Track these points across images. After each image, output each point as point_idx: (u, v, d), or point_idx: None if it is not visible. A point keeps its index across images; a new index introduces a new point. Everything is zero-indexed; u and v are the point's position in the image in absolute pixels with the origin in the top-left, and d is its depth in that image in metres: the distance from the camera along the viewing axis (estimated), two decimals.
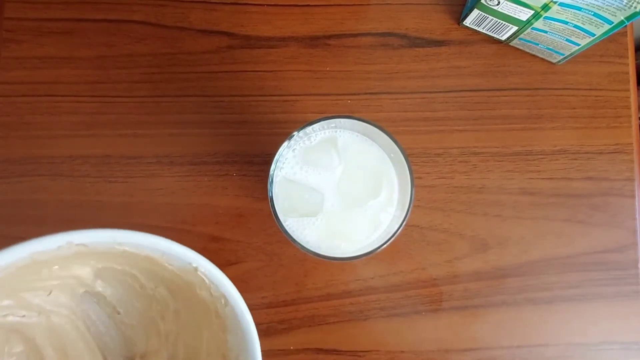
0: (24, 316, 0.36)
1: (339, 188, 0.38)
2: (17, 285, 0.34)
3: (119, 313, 0.38)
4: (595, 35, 0.41)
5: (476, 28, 0.46)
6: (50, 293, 0.36)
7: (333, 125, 0.37)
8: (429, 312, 0.45)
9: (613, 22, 0.39)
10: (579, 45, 0.43)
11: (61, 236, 0.29)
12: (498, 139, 0.46)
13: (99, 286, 0.37)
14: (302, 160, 0.38)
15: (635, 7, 0.37)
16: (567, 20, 0.40)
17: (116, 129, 0.45)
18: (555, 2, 0.39)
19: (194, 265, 0.32)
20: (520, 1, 0.40)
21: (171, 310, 0.38)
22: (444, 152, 0.46)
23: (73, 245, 0.30)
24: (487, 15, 0.43)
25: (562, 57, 0.46)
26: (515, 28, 0.44)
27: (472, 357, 0.45)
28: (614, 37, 0.46)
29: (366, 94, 0.46)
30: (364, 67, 0.47)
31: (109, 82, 0.46)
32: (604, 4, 0.37)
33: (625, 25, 0.39)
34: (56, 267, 0.34)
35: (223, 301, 0.33)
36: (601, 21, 0.39)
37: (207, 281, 0.33)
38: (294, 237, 0.35)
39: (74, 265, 0.35)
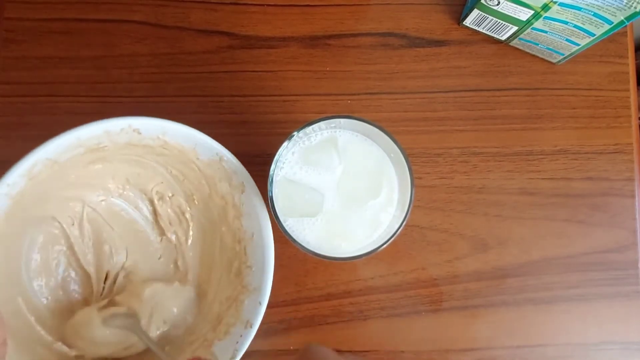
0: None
1: (339, 188, 0.38)
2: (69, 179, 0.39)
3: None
4: (595, 35, 0.41)
5: (476, 28, 0.46)
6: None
7: (333, 125, 0.37)
8: (429, 312, 0.45)
9: (613, 22, 0.39)
10: (579, 45, 0.43)
11: (125, 119, 0.35)
12: (498, 139, 0.47)
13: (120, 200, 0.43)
14: (302, 161, 0.38)
15: (635, 7, 0.37)
16: (567, 20, 0.40)
17: None
18: (555, 2, 0.39)
19: (220, 155, 0.38)
20: (520, 1, 0.40)
21: (186, 215, 0.43)
22: (444, 152, 0.46)
23: (131, 130, 0.36)
24: (487, 15, 0.43)
25: (562, 57, 0.46)
26: (515, 28, 0.44)
27: (472, 357, 0.45)
28: (614, 37, 0.46)
29: (366, 94, 0.46)
30: (364, 67, 0.47)
31: (109, 82, 0.46)
32: (604, 4, 0.37)
33: (625, 25, 0.39)
34: (100, 165, 0.40)
35: (241, 189, 0.39)
36: (601, 21, 0.39)
37: (229, 171, 0.39)
38: (294, 237, 0.35)
39: (112, 165, 0.40)
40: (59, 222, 0.41)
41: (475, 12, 0.44)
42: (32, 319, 0.38)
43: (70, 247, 0.41)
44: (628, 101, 0.47)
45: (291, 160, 0.38)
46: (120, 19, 0.46)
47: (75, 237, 0.41)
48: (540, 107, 0.47)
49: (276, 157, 0.36)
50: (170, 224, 0.43)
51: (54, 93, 0.45)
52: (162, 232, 0.43)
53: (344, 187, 0.38)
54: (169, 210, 0.43)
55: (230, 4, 0.47)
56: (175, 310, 0.40)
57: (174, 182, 0.42)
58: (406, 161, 0.35)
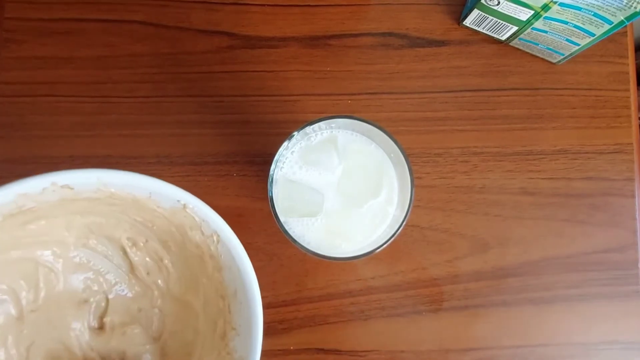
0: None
1: (339, 188, 0.38)
2: (5, 241, 0.33)
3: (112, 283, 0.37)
4: (595, 35, 0.41)
5: (476, 28, 0.46)
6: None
7: (333, 125, 0.37)
8: (430, 312, 0.45)
9: (613, 22, 0.39)
10: (579, 45, 0.43)
11: (45, 177, 0.28)
12: (498, 139, 0.47)
13: (85, 251, 0.36)
14: (302, 160, 0.38)
15: (635, 7, 0.37)
16: (567, 20, 0.40)
17: (116, 129, 0.45)
18: (555, 2, 0.39)
19: (182, 202, 0.31)
20: (520, 1, 0.40)
21: (165, 263, 0.37)
22: (445, 152, 0.46)
23: (58, 187, 0.28)
24: (487, 15, 0.43)
25: (562, 57, 0.46)
26: (515, 28, 0.44)
27: (473, 357, 0.45)
28: (614, 37, 0.46)
29: (366, 94, 0.46)
30: (365, 67, 0.47)
31: (110, 82, 0.46)
32: (604, 4, 0.37)
33: (625, 25, 0.39)
34: (43, 221, 0.33)
35: (215, 238, 0.32)
36: (601, 21, 0.39)
37: (197, 219, 0.32)
38: (294, 237, 0.36)
39: (59, 219, 0.34)
40: (9, 287, 0.35)
41: (475, 12, 0.44)
42: None
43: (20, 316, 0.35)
44: (628, 101, 0.47)
45: (291, 160, 0.38)
46: (121, 19, 0.46)
47: (28, 302, 0.35)
48: (540, 107, 0.47)
49: (276, 157, 0.36)
50: (148, 273, 0.37)
51: (54, 93, 0.45)
52: (139, 283, 0.38)
53: (344, 187, 0.38)
54: (146, 258, 0.37)
55: (231, 4, 0.47)
56: None
57: (143, 228, 0.36)
58: (406, 161, 0.35)
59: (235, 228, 0.41)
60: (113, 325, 0.37)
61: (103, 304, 0.37)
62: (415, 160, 0.46)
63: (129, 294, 0.38)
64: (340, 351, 0.44)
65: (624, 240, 0.46)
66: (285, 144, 0.36)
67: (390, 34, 0.47)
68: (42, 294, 0.36)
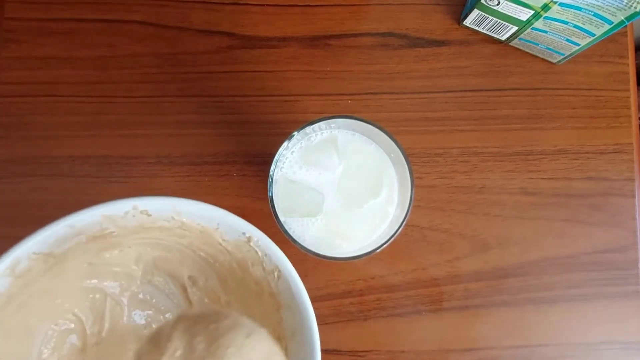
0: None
1: (339, 188, 0.38)
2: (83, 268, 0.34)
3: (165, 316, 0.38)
4: (595, 35, 0.41)
5: (476, 28, 0.46)
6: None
7: (333, 125, 0.37)
8: (430, 312, 0.45)
9: (613, 22, 0.39)
10: (579, 45, 0.43)
11: (129, 201, 0.30)
12: (498, 139, 0.46)
13: (149, 287, 0.37)
14: (302, 160, 0.38)
15: (635, 7, 0.37)
16: (567, 20, 0.40)
17: (116, 129, 0.45)
18: (555, 2, 0.39)
19: (247, 235, 0.32)
20: (520, 1, 0.40)
21: (222, 304, 0.37)
22: (445, 152, 0.46)
23: (137, 212, 0.31)
24: (487, 15, 0.43)
25: (562, 57, 0.46)
26: (515, 28, 0.44)
27: (473, 357, 0.45)
28: (614, 37, 0.46)
29: (366, 94, 0.46)
30: (365, 67, 0.47)
31: (110, 82, 0.46)
32: (604, 4, 0.37)
33: (625, 25, 0.39)
34: (116, 251, 0.35)
35: (276, 274, 0.33)
36: (601, 21, 0.39)
37: (260, 254, 0.33)
38: (294, 237, 0.36)
39: (131, 251, 0.35)
40: (76, 316, 0.36)
41: (475, 12, 0.44)
42: None
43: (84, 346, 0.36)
44: (628, 101, 0.47)
45: (291, 160, 0.38)
46: (121, 19, 0.46)
47: (92, 334, 0.36)
48: (540, 107, 0.47)
49: (276, 157, 0.36)
50: None
51: (54, 93, 0.45)
52: None
53: (344, 187, 0.38)
54: (204, 299, 0.37)
55: (231, 4, 0.47)
56: None
57: (205, 265, 0.36)
58: (406, 161, 0.35)
59: None
60: None
61: None
62: (415, 160, 0.46)
63: None
64: (340, 351, 0.44)
65: (624, 240, 0.46)
66: (285, 144, 0.36)
67: (390, 34, 0.47)
68: (107, 326, 0.36)
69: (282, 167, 0.38)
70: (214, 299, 0.37)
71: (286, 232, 0.35)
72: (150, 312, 0.37)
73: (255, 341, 0.25)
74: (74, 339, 0.36)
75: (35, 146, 0.45)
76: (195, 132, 0.45)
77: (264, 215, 0.44)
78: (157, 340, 0.26)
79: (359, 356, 0.44)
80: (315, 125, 0.36)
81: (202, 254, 0.36)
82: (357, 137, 0.38)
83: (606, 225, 0.46)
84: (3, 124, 0.45)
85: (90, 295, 0.36)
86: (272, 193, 0.35)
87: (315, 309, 0.44)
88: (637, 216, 0.46)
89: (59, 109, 0.45)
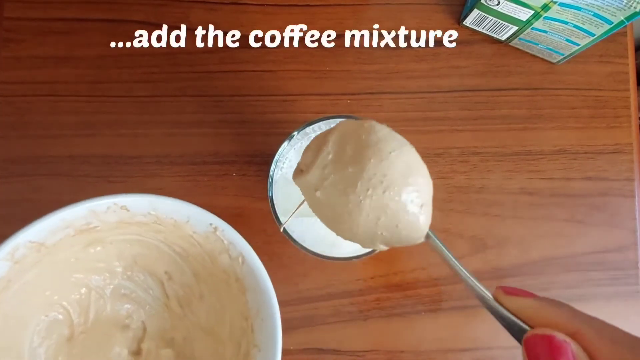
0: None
1: None
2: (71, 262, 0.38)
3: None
4: (595, 35, 0.41)
5: (476, 28, 0.46)
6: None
7: (333, 125, 0.37)
8: (429, 312, 0.45)
9: (613, 22, 0.39)
10: (579, 45, 0.43)
11: (110, 198, 0.33)
12: (498, 139, 0.47)
13: (129, 283, 0.41)
14: None
15: (635, 7, 0.37)
16: (567, 20, 0.40)
17: (116, 128, 0.45)
18: (555, 2, 0.39)
19: (214, 226, 0.35)
20: (520, 1, 0.40)
21: (196, 295, 0.40)
22: (444, 152, 0.46)
23: (118, 207, 0.34)
24: (487, 15, 0.43)
25: (562, 57, 0.46)
26: (515, 28, 0.44)
27: (472, 357, 0.45)
28: (614, 37, 0.46)
29: (366, 93, 0.46)
30: (364, 66, 0.47)
31: (109, 82, 0.46)
32: (604, 4, 0.37)
33: (625, 25, 0.39)
34: (99, 247, 0.38)
35: (240, 260, 0.36)
36: (601, 21, 0.39)
37: (225, 242, 0.36)
38: (294, 237, 0.36)
39: (113, 247, 0.39)
40: (64, 308, 0.39)
41: (475, 12, 0.44)
42: None
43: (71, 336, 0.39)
44: (628, 101, 0.47)
45: (291, 160, 0.38)
46: (121, 18, 0.46)
47: (79, 323, 0.39)
48: (540, 107, 0.47)
49: (276, 157, 0.36)
50: (180, 306, 0.41)
51: (53, 92, 0.45)
52: (172, 315, 0.41)
53: None
54: (180, 292, 0.41)
55: (230, 3, 0.47)
56: None
57: (180, 260, 0.40)
58: None
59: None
60: (149, 350, 0.40)
61: (141, 332, 0.41)
62: None
63: (164, 325, 0.41)
64: (340, 351, 0.44)
65: (623, 240, 0.46)
66: (285, 144, 0.36)
67: (389, 34, 0.47)
68: (92, 317, 0.40)
69: (282, 167, 0.38)
70: (188, 292, 0.40)
71: (286, 232, 0.35)
72: (130, 305, 0.41)
73: (396, 158, 0.29)
74: (62, 328, 0.39)
75: (34, 145, 0.45)
76: (194, 131, 0.45)
77: (264, 215, 0.45)
78: (318, 143, 0.30)
79: (358, 356, 0.44)
80: (315, 125, 0.36)
81: (176, 248, 0.39)
82: None
83: (605, 225, 0.46)
84: (2, 123, 0.45)
85: (77, 288, 0.39)
86: (272, 193, 0.35)
87: (315, 309, 0.45)
88: (636, 216, 0.46)
89: (58, 109, 0.45)
